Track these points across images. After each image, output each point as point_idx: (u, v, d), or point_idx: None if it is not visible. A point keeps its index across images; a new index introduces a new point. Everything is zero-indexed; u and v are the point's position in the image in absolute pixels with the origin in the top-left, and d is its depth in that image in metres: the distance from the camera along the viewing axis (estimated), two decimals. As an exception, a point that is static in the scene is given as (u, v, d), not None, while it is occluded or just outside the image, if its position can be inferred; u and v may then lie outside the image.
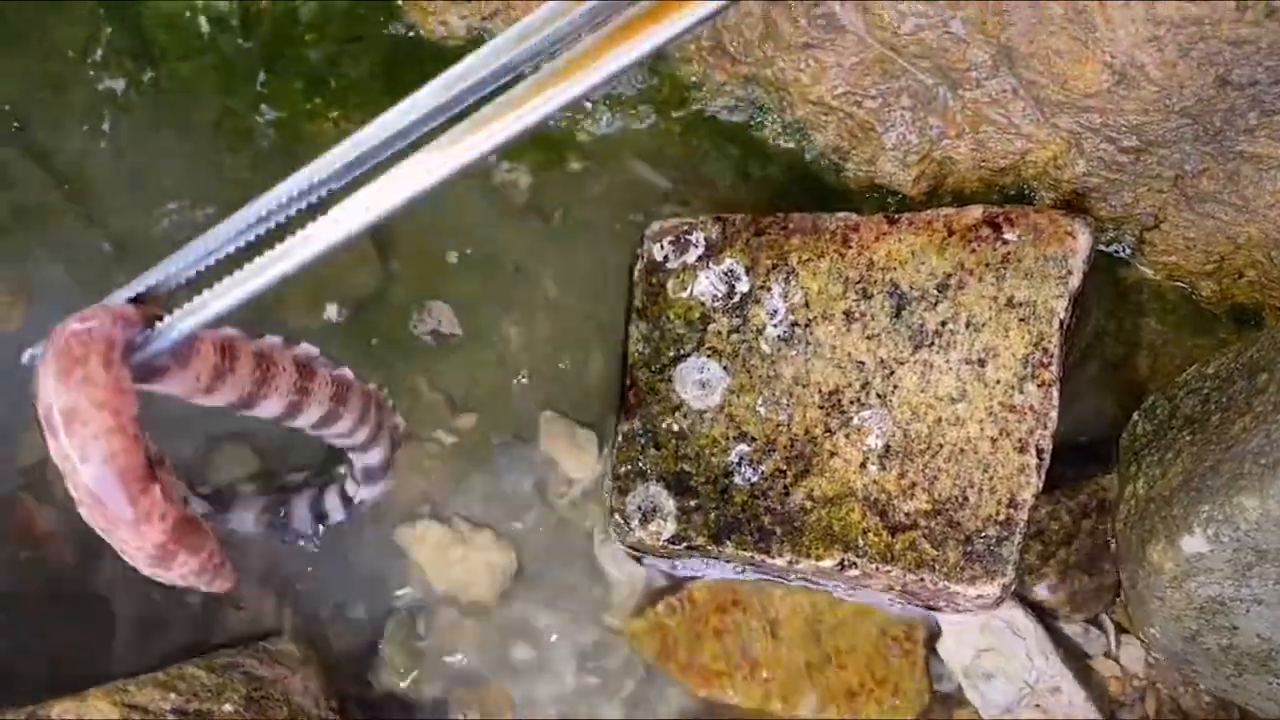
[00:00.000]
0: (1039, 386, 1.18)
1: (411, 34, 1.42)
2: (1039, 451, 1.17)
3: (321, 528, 1.28)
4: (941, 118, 1.29)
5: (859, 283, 1.24)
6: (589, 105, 1.40)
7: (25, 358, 0.83)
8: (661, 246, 1.30)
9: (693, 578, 1.32)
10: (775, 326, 1.25)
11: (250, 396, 0.92)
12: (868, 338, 1.23)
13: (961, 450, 1.19)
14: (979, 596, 1.17)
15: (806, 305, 1.25)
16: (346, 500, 1.23)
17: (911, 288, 1.23)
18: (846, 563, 1.19)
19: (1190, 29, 1.09)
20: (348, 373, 1.03)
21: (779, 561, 1.21)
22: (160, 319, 0.81)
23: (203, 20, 1.43)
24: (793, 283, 1.26)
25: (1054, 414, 1.17)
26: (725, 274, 1.28)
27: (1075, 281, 1.19)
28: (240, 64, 1.43)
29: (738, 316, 1.27)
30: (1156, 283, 1.35)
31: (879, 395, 1.22)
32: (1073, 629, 1.30)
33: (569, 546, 1.35)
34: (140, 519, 0.78)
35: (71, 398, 0.76)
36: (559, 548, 1.35)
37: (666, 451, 1.26)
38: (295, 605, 1.33)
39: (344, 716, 1.29)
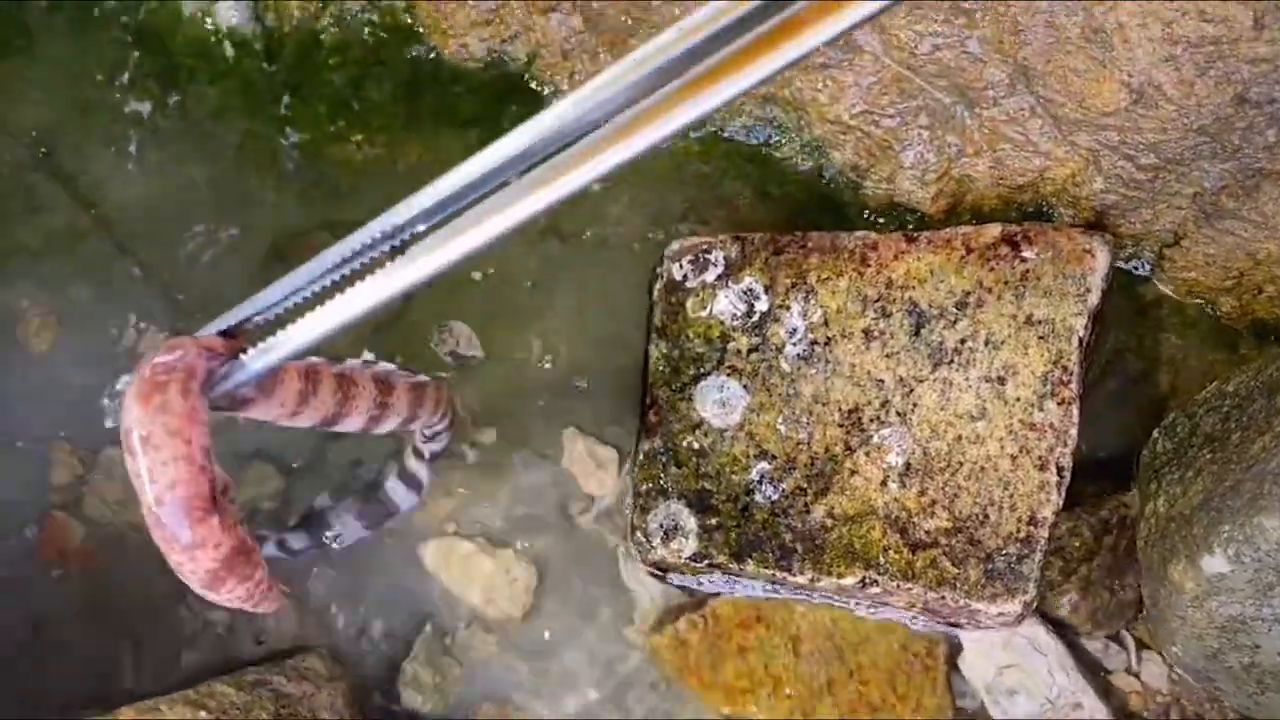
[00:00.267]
0: (1059, 404, 1.18)
1: (432, 56, 1.43)
2: (1059, 469, 1.17)
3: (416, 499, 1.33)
4: (959, 136, 1.29)
5: (878, 301, 1.25)
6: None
7: (120, 384, 0.90)
8: (680, 266, 1.31)
9: (715, 594, 1.33)
10: (795, 345, 1.26)
11: (334, 416, 0.99)
12: (887, 356, 1.24)
13: (982, 468, 1.19)
14: (1000, 614, 1.17)
15: (826, 324, 1.26)
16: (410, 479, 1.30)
17: (930, 306, 1.23)
18: (868, 580, 1.19)
19: (1208, 48, 1.10)
20: (423, 379, 1.09)
21: (800, 579, 1.21)
22: (245, 351, 0.85)
23: (227, 45, 1.45)
24: (812, 301, 1.26)
25: (1074, 431, 1.18)
26: (744, 293, 1.28)
27: (1094, 299, 1.20)
28: (264, 88, 1.45)
29: (757, 335, 1.27)
30: (1176, 299, 1.35)
31: (899, 413, 1.22)
32: (1094, 645, 1.30)
33: (591, 563, 1.35)
34: (195, 545, 0.84)
35: (148, 423, 0.81)
36: (581, 564, 1.35)
37: (687, 470, 1.26)
38: (321, 622, 1.35)
39: (370, 733, 1.31)
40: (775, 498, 1.23)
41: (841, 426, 1.23)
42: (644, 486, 1.27)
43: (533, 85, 1.42)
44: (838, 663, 1.30)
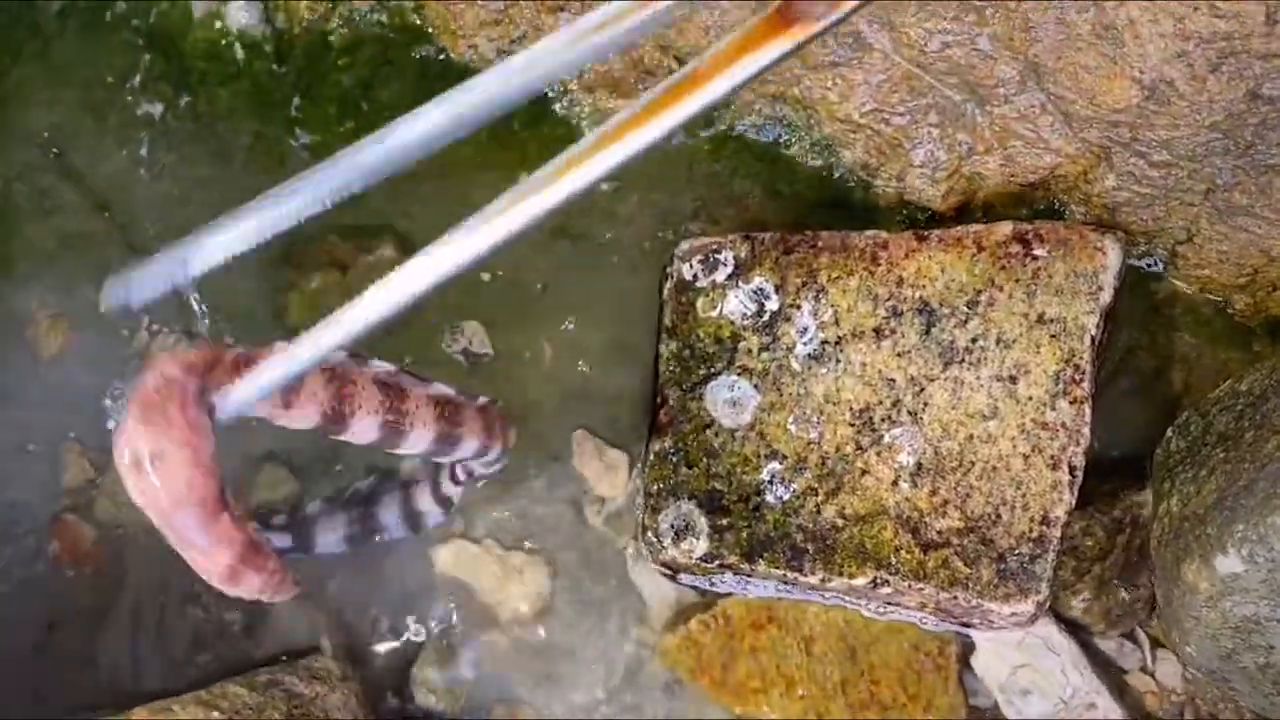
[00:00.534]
0: (1071, 403, 1.18)
1: (441, 58, 1.43)
2: (1072, 468, 1.17)
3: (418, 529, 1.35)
4: (970, 133, 1.28)
5: (889, 300, 1.24)
6: (618, 125, 1.41)
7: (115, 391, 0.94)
8: (690, 265, 1.31)
9: (727, 594, 1.32)
10: (805, 344, 1.26)
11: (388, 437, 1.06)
12: (898, 355, 1.23)
13: (994, 467, 1.18)
14: (1013, 614, 1.17)
15: (836, 323, 1.25)
16: (444, 500, 1.33)
17: (941, 304, 1.23)
18: (879, 580, 1.19)
19: (1220, 44, 1.09)
20: (480, 400, 1.16)
21: (811, 579, 1.21)
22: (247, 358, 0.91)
23: (238, 47, 1.45)
24: (822, 300, 1.26)
25: (1086, 430, 1.17)
26: (755, 292, 1.28)
27: (1106, 297, 1.19)
28: (274, 89, 1.46)
29: (768, 335, 1.27)
30: (1190, 296, 1.34)
31: (910, 412, 1.22)
32: (1108, 644, 1.29)
33: (602, 564, 1.35)
34: (211, 545, 0.89)
35: (156, 440, 0.86)
36: (592, 565, 1.35)
37: (698, 470, 1.26)
38: (335, 623, 1.35)
39: (382, 733, 1.31)
40: (786, 498, 1.23)
41: (852, 426, 1.23)
42: (655, 487, 1.27)
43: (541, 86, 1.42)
44: (850, 663, 1.30)
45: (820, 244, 1.28)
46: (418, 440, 1.10)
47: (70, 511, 1.37)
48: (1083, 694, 1.25)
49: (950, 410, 1.21)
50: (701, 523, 1.25)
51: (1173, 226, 1.29)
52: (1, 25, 1.48)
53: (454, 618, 1.35)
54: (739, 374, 1.27)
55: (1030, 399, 1.19)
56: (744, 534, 1.23)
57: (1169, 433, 1.25)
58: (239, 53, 1.45)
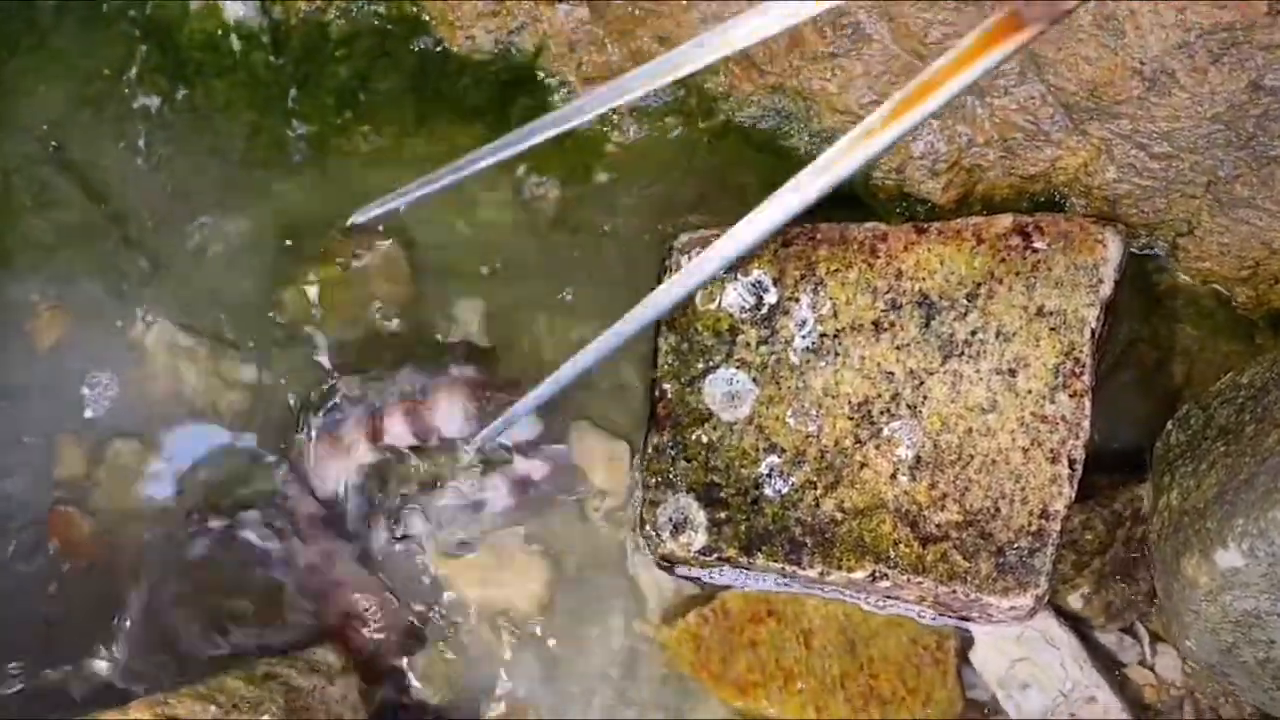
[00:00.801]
0: (1071, 396, 1.17)
1: (439, 49, 1.43)
2: (1071, 462, 1.16)
3: None
4: (970, 125, 1.28)
5: (888, 293, 1.24)
6: (616, 117, 1.41)
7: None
8: (689, 258, 1.30)
9: (726, 587, 1.32)
10: (804, 337, 1.25)
11: None
12: (897, 348, 1.23)
13: (993, 461, 1.18)
14: (1012, 608, 1.17)
15: (835, 316, 1.25)
16: None
17: (941, 297, 1.22)
18: (878, 574, 1.19)
19: (1221, 35, 1.08)
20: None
21: (810, 573, 1.21)
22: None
23: (234, 38, 1.45)
24: (821, 293, 1.26)
25: (1086, 424, 1.17)
26: (753, 285, 1.28)
27: (1106, 290, 1.19)
28: (272, 81, 1.45)
29: (766, 328, 1.27)
30: (1191, 288, 1.34)
31: (909, 406, 1.21)
32: (1107, 638, 1.29)
33: (601, 557, 1.35)
34: None
35: None
36: (591, 558, 1.35)
37: (696, 463, 1.26)
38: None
39: (381, 726, 1.31)
40: (785, 491, 1.23)
41: (851, 419, 1.23)
42: (653, 480, 1.27)
43: (540, 77, 1.41)
44: (849, 656, 1.30)
45: (819, 236, 1.27)
46: None
47: (66, 504, 1.37)
48: (1082, 688, 1.25)
49: (949, 403, 1.20)
50: (700, 516, 1.25)
51: (1174, 219, 1.28)
52: (-2, 17, 1.48)
53: (453, 610, 1.34)
54: (737, 367, 1.27)
55: (1030, 392, 1.18)
56: (742, 527, 1.23)
57: (1169, 426, 1.24)
58: (236, 44, 1.45)
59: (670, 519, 1.25)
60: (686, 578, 1.33)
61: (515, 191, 1.42)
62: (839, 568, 1.20)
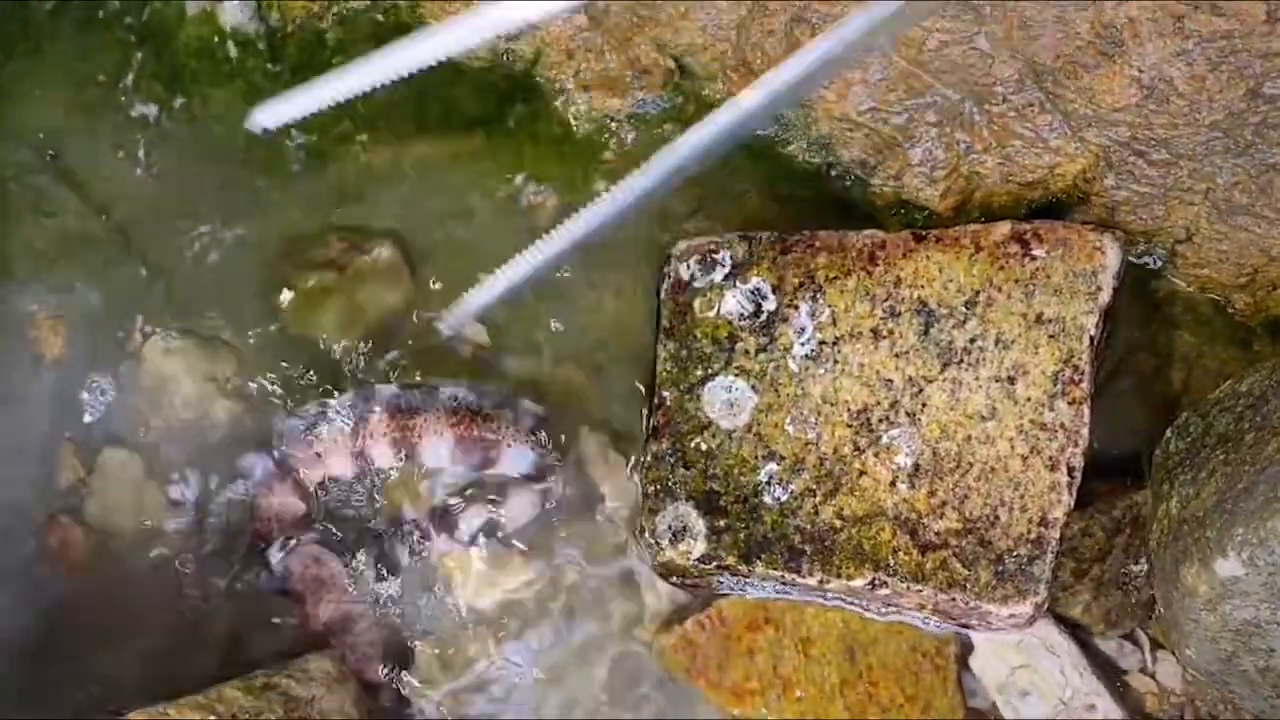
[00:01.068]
0: (1070, 404, 1.17)
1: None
2: (1070, 469, 1.16)
3: None
4: (968, 132, 1.28)
5: (886, 300, 1.24)
6: (613, 124, 1.41)
7: None
8: (688, 265, 1.30)
9: (725, 595, 1.32)
10: (803, 345, 1.25)
11: None
12: (896, 356, 1.22)
13: (992, 469, 1.18)
14: (1011, 616, 1.17)
15: (834, 323, 1.25)
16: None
17: (939, 305, 1.22)
18: (877, 582, 1.19)
19: (1220, 43, 1.08)
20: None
21: (809, 581, 1.21)
22: None
23: (231, 45, 1.44)
24: (820, 301, 1.25)
25: (1085, 431, 1.17)
26: (752, 293, 1.27)
27: (1105, 297, 1.18)
28: (268, 88, 1.44)
29: (765, 335, 1.26)
30: (1189, 295, 1.34)
31: (908, 413, 1.21)
32: (1108, 645, 1.29)
33: (600, 564, 1.35)
34: None
35: None
36: (590, 565, 1.35)
37: (695, 471, 1.26)
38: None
39: (380, 735, 1.31)
40: (784, 499, 1.22)
41: (850, 427, 1.22)
42: (652, 488, 1.27)
43: (539, 83, 1.41)
44: (848, 664, 1.30)
45: (818, 244, 1.27)
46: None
47: (64, 512, 1.37)
48: (1082, 695, 1.25)
49: (948, 411, 1.20)
50: (699, 524, 1.24)
51: (1172, 226, 1.28)
52: (-6, 24, 1.48)
53: (451, 617, 1.34)
54: (736, 375, 1.26)
55: (1029, 400, 1.18)
56: (741, 535, 1.23)
57: (1168, 434, 1.24)
58: (232, 50, 1.44)
59: (669, 527, 1.25)
60: (687, 585, 1.32)
61: (513, 199, 1.41)
62: (838, 575, 1.20)
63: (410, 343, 1.39)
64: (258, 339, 1.39)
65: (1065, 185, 1.28)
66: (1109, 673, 1.28)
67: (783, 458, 1.23)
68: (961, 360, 1.21)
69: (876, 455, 1.21)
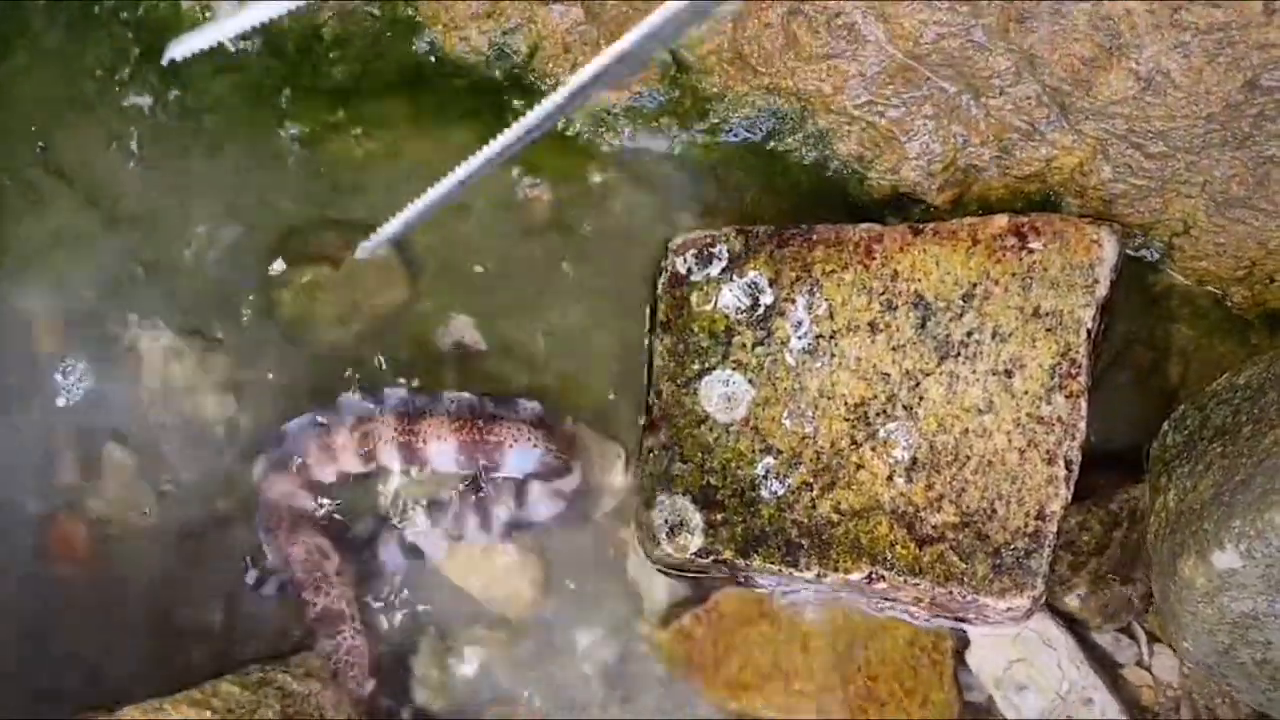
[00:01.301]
0: (1067, 397, 1.17)
1: (433, 50, 1.42)
2: (1067, 463, 1.16)
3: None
4: (965, 125, 1.27)
5: (883, 294, 1.23)
6: (610, 117, 1.40)
7: None
8: (685, 259, 1.30)
9: (722, 588, 1.32)
10: (800, 339, 1.25)
11: None
12: (893, 349, 1.22)
13: (989, 462, 1.18)
14: (1008, 609, 1.17)
15: (831, 317, 1.24)
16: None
17: (936, 298, 1.22)
18: (874, 575, 1.19)
19: (1217, 34, 1.08)
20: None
21: (807, 574, 1.21)
22: None
23: (226, 40, 1.44)
24: (817, 294, 1.25)
25: (1082, 425, 1.17)
26: (749, 286, 1.27)
27: (1102, 290, 1.18)
28: (265, 82, 1.44)
29: (762, 329, 1.26)
30: (1187, 288, 1.34)
31: (905, 407, 1.21)
32: (1104, 639, 1.29)
33: (598, 558, 1.35)
34: None
35: None
36: (588, 560, 1.35)
37: (692, 465, 1.25)
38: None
39: (377, 730, 1.31)
40: (781, 492, 1.22)
41: (847, 420, 1.22)
42: (649, 482, 1.27)
43: (534, 78, 1.41)
44: (846, 658, 1.30)
45: (815, 237, 1.27)
46: None
47: (63, 510, 1.36)
48: (1079, 689, 1.25)
49: (945, 405, 1.20)
50: (696, 518, 1.24)
51: (1170, 218, 1.28)
52: (-11, 19, 1.47)
53: (449, 613, 1.34)
54: (733, 368, 1.26)
55: (1026, 393, 1.18)
56: (739, 529, 1.23)
57: (1166, 426, 1.24)
58: (228, 45, 1.44)
59: (666, 521, 1.25)
60: (688, 577, 1.32)
61: (509, 192, 1.41)
62: (835, 569, 1.20)
63: (408, 339, 1.38)
64: (254, 334, 1.39)
65: (1062, 178, 1.28)
66: (1106, 666, 1.28)
67: (780, 451, 1.23)
68: (958, 353, 1.21)
69: (873, 449, 1.21)
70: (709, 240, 1.29)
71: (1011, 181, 1.30)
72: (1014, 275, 1.20)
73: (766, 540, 1.22)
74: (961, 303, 1.21)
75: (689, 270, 1.30)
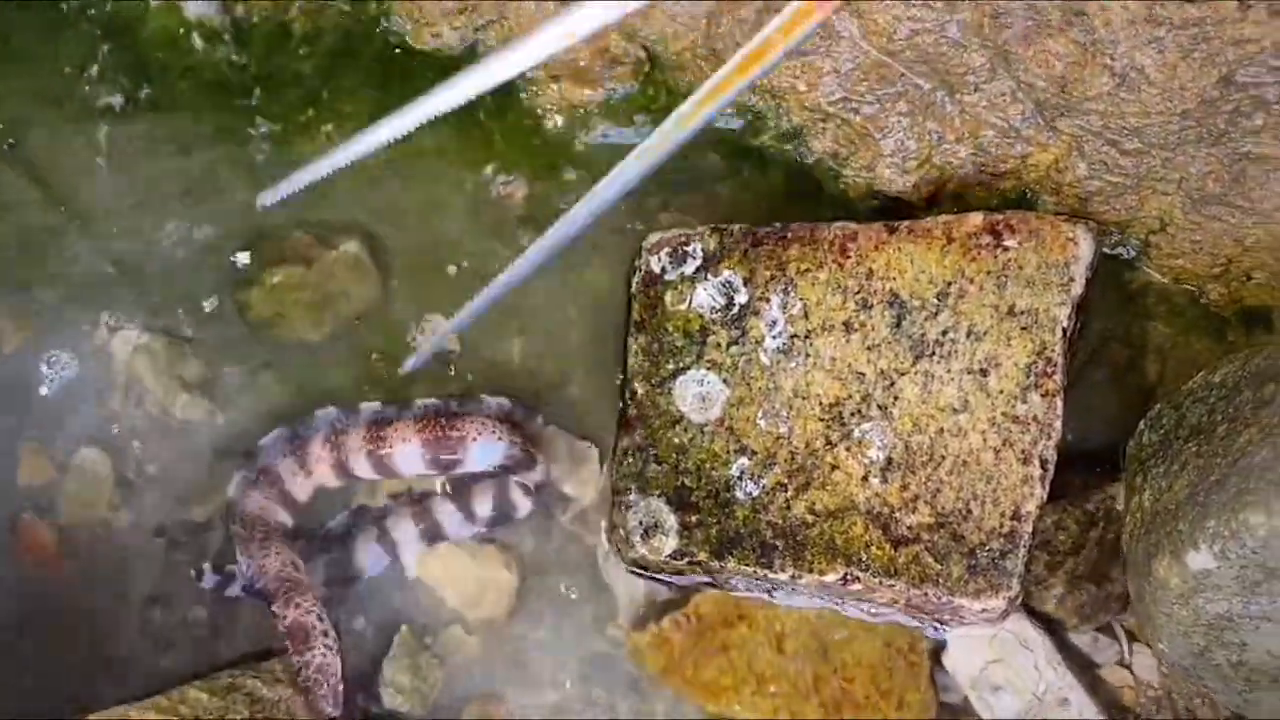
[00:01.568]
0: (1042, 396, 1.16)
1: (404, 46, 1.41)
2: (1043, 462, 1.15)
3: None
4: (940, 122, 1.27)
5: (858, 293, 1.22)
6: (584, 114, 1.39)
7: None
8: (659, 258, 1.29)
9: (698, 591, 1.31)
10: (774, 338, 1.24)
11: None
12: (868, 349, 1.21)
13: (964, 462, 1.17)
14: (984, 610, 1.16)
15: (805, 316, 1.23)
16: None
17: (911, 297, 1.21)
18: (849, 577, 1.18)
19: (1192, 30, 1.07)
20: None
21: (781, 576, 1.20)
22: None
23: (196, 36, 1.42)
24: (791, 294, 1.24)
25: (1058, 424, 1.16)
26: (723, 285, 1.26)
27: (1078, 289, 1.17)
28: (234, 79, 1.43)
29: (737, 328, 1.25)
30: (1163, 286, 1.33)
31: (880, 407, 1.20)
32: (1082, 639, 1.28)
33: (573, 561, 1.34)
34: None
35: None
36: (562, 563, 1.34)
37: (667, 466, 1.24)
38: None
39: (348, 736, 1.29)
40: (756, 494, 1.21)
41: (822, 421, 1.21)
42: (623, 483, 1.26)
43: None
44: (821, 660, 1.29)
45: (789, 236, 1.26)
46: None
47: (30, 512, 1.35)
48: (1055, 689, 1.24)
49: (920, 404, 1.19)
50: (670, 520, 1.23)
51: (1146, 216, 1.27)
52: (-46, 16, 1.46)
53: (422, 617, 1.33)
54: (708, 368, 1.25)
55: (1001, 392, 1.17)
56: (713, 531, 1.22)
57: (1141, 425, 1.24)
58: (198, 42, 1.42)
59: (641, 523, 1.24)
60: (661, 581, 1.31)
61: (484, 190, 1.40)
62: (810, 570, 1.19)
63: (379, 341, 1.37)
64: (225, 335, 1.37)
65: (1038, 175, 1.27)
66: (1083, 667, 1.27)
67: (754, 452, 1.22)
68: (933, 353, 1.20)
69: (848, 449, 1.20)
70: (683, 239, 1.28)
71: (987, 179, 1.29)
72: (989, 273, 1.19)
73: (741, 542, 1.21)
74: (936, 301, 1.20)
75: (663, 269, 1.29)
